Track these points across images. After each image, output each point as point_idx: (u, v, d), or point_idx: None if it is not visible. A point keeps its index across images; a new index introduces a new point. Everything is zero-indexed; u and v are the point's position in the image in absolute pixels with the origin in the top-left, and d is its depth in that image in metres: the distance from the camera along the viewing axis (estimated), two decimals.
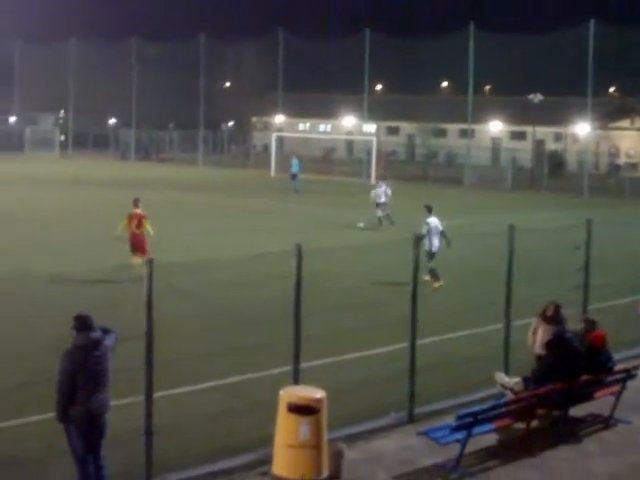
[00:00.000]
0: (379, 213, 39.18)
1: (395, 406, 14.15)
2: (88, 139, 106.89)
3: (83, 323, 10.45)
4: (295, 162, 61.58)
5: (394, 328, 15.91)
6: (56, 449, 11.33)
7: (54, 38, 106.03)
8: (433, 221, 26.04)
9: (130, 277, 21.35)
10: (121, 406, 11.86)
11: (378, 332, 17.96)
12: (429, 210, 26.46)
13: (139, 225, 25.15)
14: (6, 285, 21.67)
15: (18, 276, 23.25)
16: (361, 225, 37.90)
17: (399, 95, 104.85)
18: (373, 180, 63.34)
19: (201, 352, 16.11)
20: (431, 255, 25.34)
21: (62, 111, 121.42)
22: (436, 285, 24.68)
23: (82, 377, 10.25)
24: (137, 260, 23.79)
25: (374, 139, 78.57)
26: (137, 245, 25.02)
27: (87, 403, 10.31)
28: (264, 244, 30.75)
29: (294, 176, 60.45)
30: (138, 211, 25.45)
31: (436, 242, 25.69)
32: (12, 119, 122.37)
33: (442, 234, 25.97)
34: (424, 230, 25.10)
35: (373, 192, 40.31)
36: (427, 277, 24.47)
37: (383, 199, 39.47)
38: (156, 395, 11.55)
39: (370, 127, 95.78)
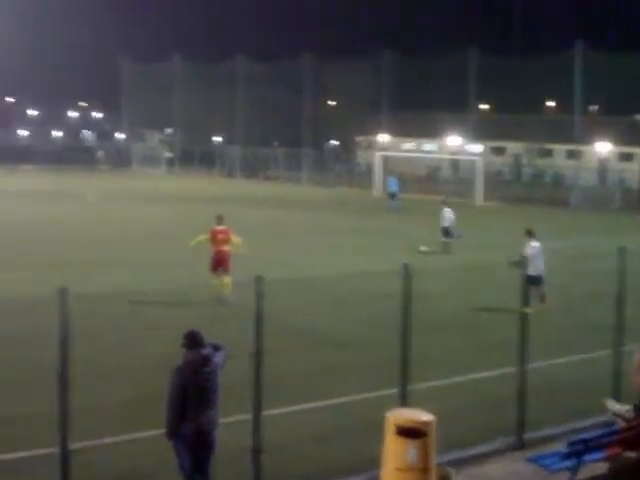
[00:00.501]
0: (442, 238, 37.08)
1: (503, 431, 13.93)
2: (194, 156, 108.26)
3: (193, 340, 10.51)
4: (393, 181, 60.78)
5: (501, 350, 15.69)
6: (165, 466, 11.40)
7: (161, 57, 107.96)
8: (535, 245, 25.16)
9: (213, 297, 21.20)
10: (229, 424, 11.88)
11: (485, 354, 17.74)
12: (531, 234, 25.45)
13: (225, 242, 24.35)
14: (116, 302, 21.95)
15: (130, 292, 23.55)
16: (423, 249, 35.37)
17: (505, 115, 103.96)
18: (479, 200, 62.68)
19: (307, 371, 16.09)
20: (534, 280, 24.48)
21: (169, 129, 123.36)
22: (529, 310, 23.74)
23: (192, 394, 10.29)
24: (216, 280, 23.51)
25: (479, 159, 77.98)
26: (219, 263, 24.17)
27: (197, 420, 10.34)
28: (367, 263, 30.68)
29: (392, 195, 59.49)
30: (222, 228, 24.62)
31: (540, 265, 24.88)
32: (121, 136, 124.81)
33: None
34: (527, 252, 24.32)
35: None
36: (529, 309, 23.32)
37: (446, 224, 37.42)
38: (264, 413, 11.55)
39: (476, 148, 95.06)
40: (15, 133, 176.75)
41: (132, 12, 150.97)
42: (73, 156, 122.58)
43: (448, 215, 37.59)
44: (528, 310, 23.75)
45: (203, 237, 25.13)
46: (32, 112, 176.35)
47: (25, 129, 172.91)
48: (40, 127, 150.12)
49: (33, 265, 29.32)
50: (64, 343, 10.26)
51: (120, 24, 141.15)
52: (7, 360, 17.01)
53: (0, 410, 14.03)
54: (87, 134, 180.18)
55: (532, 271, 24.11)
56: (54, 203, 54.37)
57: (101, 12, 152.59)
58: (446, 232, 37.07)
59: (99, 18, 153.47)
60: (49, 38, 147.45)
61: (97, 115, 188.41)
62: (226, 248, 24.24)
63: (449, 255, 35.36)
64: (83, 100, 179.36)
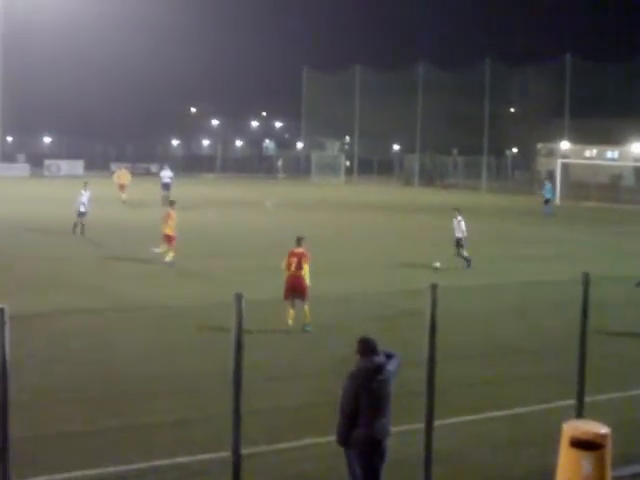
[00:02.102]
0: (464, 253, 32.72)
1: None
2: (373, 165, 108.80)
3: (367, 347, 10.46)
4: (548, 187, 61.32)
5: None
6: (334, 472, 11.40)
7: (340, 65, 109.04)
8: None
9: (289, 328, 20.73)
10: (400, 432, 11.80)
11: None
12: None
13: (299, 266, 21.25)
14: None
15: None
16: (437, 265, 30.90)
17: None
18: None
19: (482, 380, 15.88)
20: None
21: (347, 137, 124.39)
22: None
23: (365, 401, 10.23)
24: (290, 310, 20.99)
25: None
26: (292, 289, 21.16)
27: (369, 427, 10.28)
28: (550, 272, 30.11)
29: (547, 201, 60.06)
30: (299, 250, 21.65)
31: None
32: (300, 145, 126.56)
33: None
34: None
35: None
36: None
37: (459, 234, 32.86)
38: (436, 422, 11.43)
39: None
40: (199, 142, 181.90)
41: (315, 22, 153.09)
42: (254, 165, 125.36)
43: (460, 225, 33.12)
44: None
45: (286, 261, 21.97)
46: (215, 122, 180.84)
47: (208, 139, 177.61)
48: (223, 136, 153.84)
49: (225, 270, 29.94)
50: (239, 348, 10.38)
51: (302, 33, 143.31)
52: (184, 366, 17.39)
53: (179, 414, 14.34)
54: (268, 143, 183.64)
55: None
56: (234, 210, 55.56)
57: (283, 22, 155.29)
58: (458, 243, 32.86)
59: (282, 28, 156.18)
60: (232, 49, 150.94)
61: (278, 124, 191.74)
62: (301, 273, 21.34)
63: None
64: (265, 109, 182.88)
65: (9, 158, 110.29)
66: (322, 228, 44.13)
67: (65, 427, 13.38)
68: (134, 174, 65.24)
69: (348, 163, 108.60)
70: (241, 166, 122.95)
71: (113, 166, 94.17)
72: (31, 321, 17.26)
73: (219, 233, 42.31)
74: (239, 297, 10.29)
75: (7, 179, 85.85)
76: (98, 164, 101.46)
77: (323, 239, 37.82)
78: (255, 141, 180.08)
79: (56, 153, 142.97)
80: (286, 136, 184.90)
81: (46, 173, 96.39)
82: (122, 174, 59.02)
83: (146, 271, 29.41)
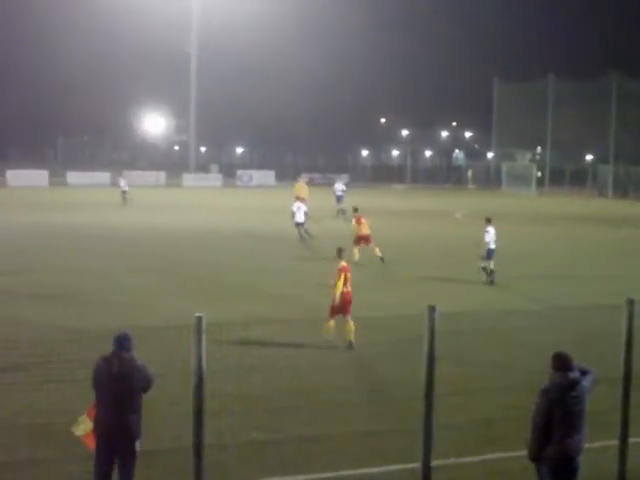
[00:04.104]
0: (491, 265, 30.40)
1: None
2: (565, 175, 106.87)
3: (562, 362, 10.34)
4: None
5: None
6: None
7: (531, 75, 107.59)
8: None
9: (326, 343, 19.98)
10: (592, 449, 11.61)
11: None
12: None
13: (346, 281, 20.13)
14: (490, 319, 22.03)
15: (501, 310, 23.55)
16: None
17: None
18: None
19: None
20: None
21: (539, 147, 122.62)
22: None
23: (558, 417, 10.13)
24: (331, 325, 19.99)
25: None
26: (343, 305, 19.98)
27: (562, 444, 10.16)
28: None
29: None
30: (343, 264, 20.51)
31: None
32: (490, 155, 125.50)
33: None
34: None
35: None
36: None
37: (492, 246, 30.54)
38: (631, 440, 11.20)
39: None
40: (389, 153, 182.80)
41: (505, 31, 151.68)
42: (443, 175, 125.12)
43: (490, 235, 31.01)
44: None
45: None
46: (405, 132, 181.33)
47: (397, 149, 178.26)
48: (412, 147, 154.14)
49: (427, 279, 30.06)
50: (431, 361, 10.46)
51: (493, 43, 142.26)
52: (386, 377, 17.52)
53: (372, 425, 14.49)
54: (458, 153, 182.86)
55: None
56: (422, 220, 55.65)
57: (474, 32, 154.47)
58: (490, 254, 30.57)
59: (472, 38, 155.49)
60: (421, 59, 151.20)
61: (468, 134, 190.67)
62: (349, 288, 20.30)
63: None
64: (455, 119, 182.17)
65: (203, 168, 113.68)
66: (514, 239, 43.60)
67: (256, 435, 13.67)
68: (324, 184, 65.54)
69: (539, 174, 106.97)
70: (430, 176, 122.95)
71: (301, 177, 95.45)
72: (228, 329, 17.73)
73: (409, 243, 42.37)
74: (432, 309, 10.37)
75: (201, 189, 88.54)
76: (289, 174, 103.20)
77: (517, 252, 37.45)
78: (445, 151, 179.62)
79: (247, 163, 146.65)
80: (476, 146, 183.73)
81: (238, 183, 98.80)
82: (300, 187, 57.47)
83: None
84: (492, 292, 28.32)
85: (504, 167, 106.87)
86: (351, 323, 19.77)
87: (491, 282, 29.64)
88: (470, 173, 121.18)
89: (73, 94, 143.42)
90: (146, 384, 10.52)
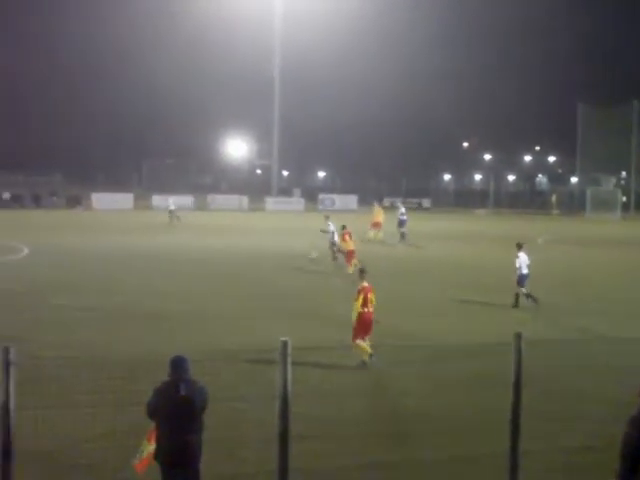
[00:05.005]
0: (523, 290, 29.65)
1: None
2: None
3: None
4: None
5: None
6: None
7: (616, 100, 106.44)
8: None
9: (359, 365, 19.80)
10: None
11: None
12: None
13: (366, 302, 19.97)
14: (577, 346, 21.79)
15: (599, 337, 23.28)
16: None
17: None
18: None
19: None
20: None
21: (623, 172, 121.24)
22: None
23: None
24: (362, 345, 19.87)
25: None
26: (368, 327, 20.09)
27: None
28: None
29: None
30: (365, 284, 20.35)
31: None
32: (574, 180, 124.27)
33: None
34: None
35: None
36: None
37: (525, 270, 29.86)
38: None
39: None
40: (471, 177, 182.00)
41: (589, 56, 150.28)
42: (526, 200, 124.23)
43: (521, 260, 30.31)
44: None
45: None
46: (487, 156, 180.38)
47: (480, 173, 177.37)
48: (495, 171, 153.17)
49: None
50: (517, 388, 10.38)
51: (579, 67, 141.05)
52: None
53: (453, 451, 14.40)
54: (541, 178, 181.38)
55: None
56: (500, 245, 55.23)
57: (558, 56, 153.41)
58: (522, 279, 29.83)
59: (556, 62, 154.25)
60: (504, 82, 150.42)
61: (551, 159, 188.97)
62: (372, 309, 20.14)
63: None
64: (538, 144, 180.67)
65: (285, 192, 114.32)
66: (598, 265, 43.18)
67: (340, 461, 13.67)
68: (407, 209, 65.13)
69: (625, 199, 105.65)
70: (513, 201, 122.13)
71: (385, 201, 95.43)
72: (311, 353, 17.78)
73: (491, 267, 42.03)
74: (519, 336, 10.31)
75: (284, 213, 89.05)
76: (371, 199, 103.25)
77: (603, 277, 37.00)
78: (528, 176, 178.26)
79: (329, 187, 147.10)
80: (559, 171, 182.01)
81: (320, 207, 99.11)
82: (376, 211, 57.33)
83: (413, 304, 29.71)
84: (571, 316, 27.95)
85: (588, 192, 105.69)
86: (367, 344, 19.77)
87: (516, 305, 29.28)
88: (554, 198, 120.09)
89: (158, 118, 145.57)
90: (205, 404, 10.71)
